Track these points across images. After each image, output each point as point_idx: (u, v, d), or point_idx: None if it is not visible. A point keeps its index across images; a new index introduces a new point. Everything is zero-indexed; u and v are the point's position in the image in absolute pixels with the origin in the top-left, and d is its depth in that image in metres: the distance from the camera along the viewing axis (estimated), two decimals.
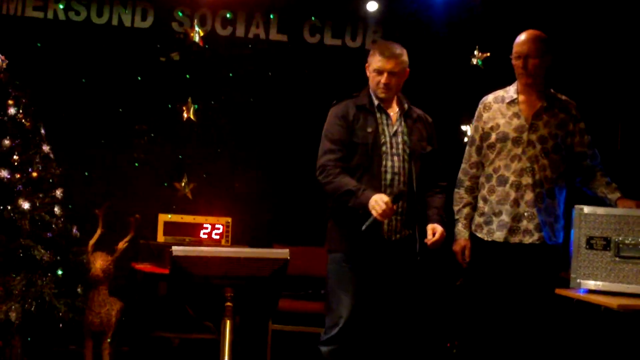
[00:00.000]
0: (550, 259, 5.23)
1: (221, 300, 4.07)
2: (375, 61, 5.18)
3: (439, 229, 5.09)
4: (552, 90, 5.38)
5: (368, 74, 5.26)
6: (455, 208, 5.49)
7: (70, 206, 6.41)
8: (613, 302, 4.53)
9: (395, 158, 5.17)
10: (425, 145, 5.29)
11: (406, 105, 5.30)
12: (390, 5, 7.45)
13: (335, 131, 5.19)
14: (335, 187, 5.08)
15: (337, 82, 7.18)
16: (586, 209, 4.84)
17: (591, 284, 4.78)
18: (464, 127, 7.26)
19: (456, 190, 5.51)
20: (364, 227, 4.88)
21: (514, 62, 5.30)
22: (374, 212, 4.86)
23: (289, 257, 4.14)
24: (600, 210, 4.83)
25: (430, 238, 5.07)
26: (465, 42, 7.40)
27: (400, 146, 5.21)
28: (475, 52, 7.32)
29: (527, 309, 5.23)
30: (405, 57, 5.22)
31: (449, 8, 7.36)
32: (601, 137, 5.48)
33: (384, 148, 5.15)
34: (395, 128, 5.22)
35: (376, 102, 5.23)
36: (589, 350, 5.83)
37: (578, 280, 4.82)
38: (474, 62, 7.33)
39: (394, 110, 5.27)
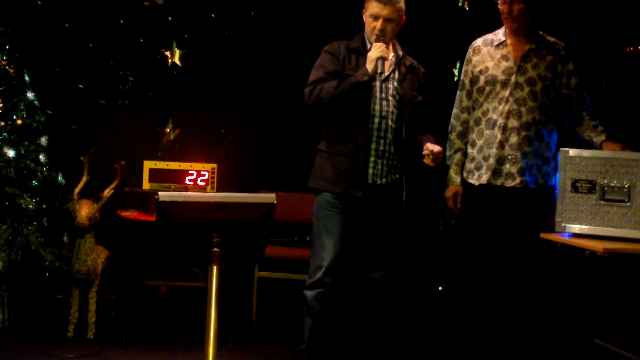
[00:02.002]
0: (534, 202, 5.25)
1: (208, 246, 4.07)
2: (372, 7, 5.16)
3: (438, 147, 5.08)
4: (540, 32, 5.37)
5: (364, 18, 5.25)
6: (447, 153, 5.49)
7: (55, 154, 6.38)
8: (599, 245, 4.54)
9: (384, 102, 5.18)
10: (417, 94, 5.30)
11: (400, 53, 5.31)
12: None
13: (326, 63, 5.21)
14: (328, 88, 5.08)
15: (324, 22, 7.14)
16: (571, 152, 4.84)
17: (576, 227, 4.80)
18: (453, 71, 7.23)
19: (449, 135, 5.52)
20: (379, 71, 4.99)
21: (499, 6, 5.28)
22: (380, 54, 4.97)
23: (275, 202, 4.14)
24: (585, 152, 4.83)
25: (428, 151, 5.03)
26: None
27: (391, 91, 5.22)
28: None
29: (511, 253, 5.27)
30: (402, 5, 5.21)
31: None
32: (586, 82, 5.44)
33: (373, 91, 5.15)
34: (387, 73, 5.20)
35: (369, 46, 5.20)
36: (574, 294, 5.86)
37: (563, 224, 4.83)
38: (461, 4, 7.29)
39: (388, 56, 5.22)
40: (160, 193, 4.01)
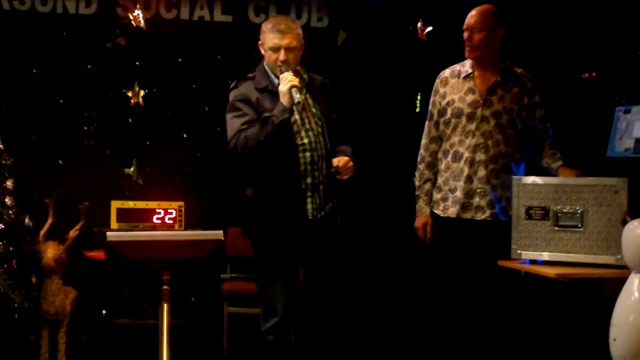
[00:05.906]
0: (504, 234, 5.10)
1: (158, 284, 4.09)
2: (270, 39, 4.91)
3: (344, 158, 4.92)
4: (508, 64, 5.36)
5: (262, 51, 5.01)
6: (417, 184, 5.49)
7: (21, 196, 6.40)
8: (551, 271, 4.57)
9: (311, 133, 4.95)
10: (331, 112, 5.12)
11: (306, 76, 5.08)
12: None
13: (244, 111, 4.94)
14: (252, 136, 4.82)
15: None
16: (524, 179, 4.88)
17: (531, 254, 4.82)
18: (417, 102, 7.26)
19: (418, 165, 5.50)
20: (296, 101, 4.72)
21: (464, 35, 5.29)
22: (290, 84, 4.74)
23: (222, 238, 4.16)
24: (538, 180, 4.86)
25: (334, 168, 4.88)
26: (409, 15, 7.41)
27: (312, 119, 5.00)
28: (419, 25, 7.33)
29: (480, 285, 5.25)
30: (299, 30, 4.97)
31: None
32: (545, 107, 5.47)
33: (295, 127, 4.91)
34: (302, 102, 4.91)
35: (276, 81, 4.92)
36: (536, 319, 5.88)
37: (518, 251, 4.86)
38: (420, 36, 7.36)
39: (299, 83, 4.89)
40: (108, 233, 4.05)
